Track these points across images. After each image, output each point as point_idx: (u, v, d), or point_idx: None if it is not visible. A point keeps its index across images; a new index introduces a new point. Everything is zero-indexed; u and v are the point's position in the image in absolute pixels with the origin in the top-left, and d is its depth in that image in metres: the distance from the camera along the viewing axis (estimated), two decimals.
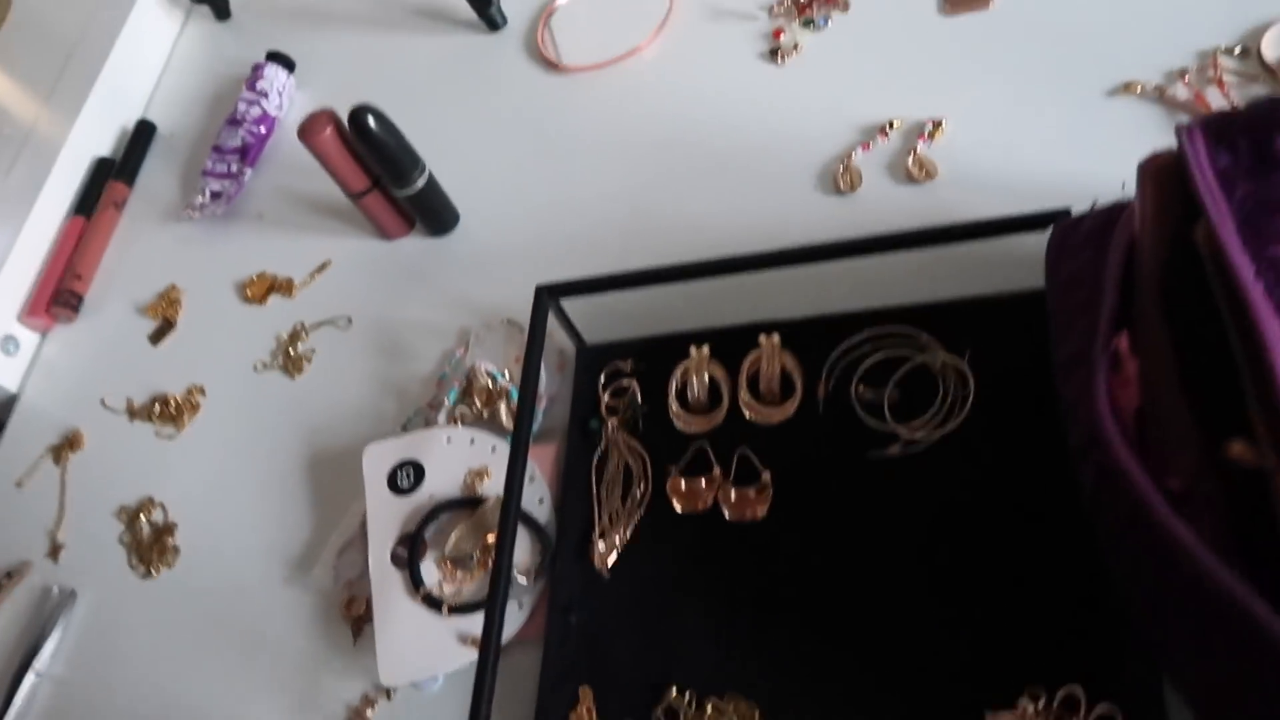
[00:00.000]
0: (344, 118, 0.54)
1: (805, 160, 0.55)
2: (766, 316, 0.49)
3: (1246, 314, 0.30)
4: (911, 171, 0.52)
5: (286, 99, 0.73)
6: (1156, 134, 0.49)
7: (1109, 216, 0.38)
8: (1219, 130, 0.34)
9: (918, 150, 0.52)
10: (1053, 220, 0.41)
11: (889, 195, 0.52)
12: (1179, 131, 0.35)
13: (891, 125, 0.54)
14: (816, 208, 0.54)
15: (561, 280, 0.49)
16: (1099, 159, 0.48)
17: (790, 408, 0.46)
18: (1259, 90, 0.48)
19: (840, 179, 0.53)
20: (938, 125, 0.53)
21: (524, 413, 0.46)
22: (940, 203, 0.51)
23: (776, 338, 0.47)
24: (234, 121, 0.71)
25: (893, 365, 0.45)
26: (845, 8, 0.60)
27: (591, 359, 0.51)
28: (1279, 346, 0.29)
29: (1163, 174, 0.35)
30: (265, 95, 0.71)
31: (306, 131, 0.55)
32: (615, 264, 0.56)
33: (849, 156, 0.54)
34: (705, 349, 0.48)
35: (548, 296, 0.48)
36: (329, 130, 0.55)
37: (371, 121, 0.54)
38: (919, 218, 0.51)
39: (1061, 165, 0.50)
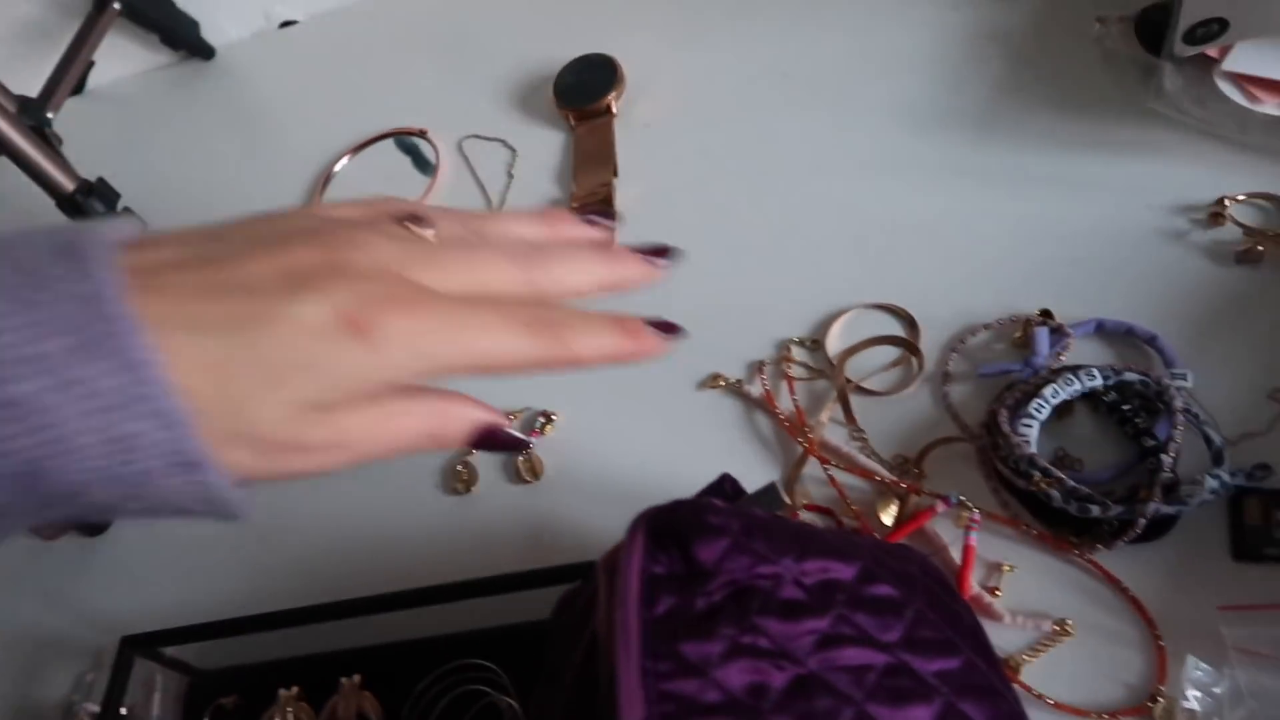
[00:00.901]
0: None
1: (430, 455, 0.56)
2: (369, 640, 0.49)
3: None
4: (521, 471, 0.53)
5: None
6: (735, 431, 0.51)
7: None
8: (659, 528, 0.35)
9: (529, 448, 0.54)
10: (576, 575, 0.42)
11: (501, 494, 0.53)
12: (632, 525, 0.36)
13: (510, 418, 0.55)
14: (436, 507, 0.54)
15: (155, 630, 0.48)
16: (688, 455, 0.50)
17: None
18: (821, 386, 0.50)
19: (459, 478, 0.54)
20: (549, 419, 0.54)
21: None
22: (544, 503, 0.52)
23: (356, 679, 0.47)
24: None
25: (469, 702, 0.46)
26: None
27: (204, 690, 0.51)
28: None
29: (614, 570, 0.36)
30: None
31: None
32: (253, 564, 0.56)
33: (468, 454, 0.55)
34: (292, 691, 0.48)
35: (132, 650, 0.48)
36: None
37: None
38: (526, 518, 0.52)
39: (656, 459, 0.51)
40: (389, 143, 0.72)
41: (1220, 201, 0.48)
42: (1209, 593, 0.39)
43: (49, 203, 0.64)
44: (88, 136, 0.84)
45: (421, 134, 0.71)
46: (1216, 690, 0.38)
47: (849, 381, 0.50)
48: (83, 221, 0.28)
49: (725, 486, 0.40)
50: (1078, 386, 0.44)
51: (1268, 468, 0.41)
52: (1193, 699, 0.38)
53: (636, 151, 0.63)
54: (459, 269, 0.32)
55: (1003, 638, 0.41)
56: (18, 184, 0.66)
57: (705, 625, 0.33)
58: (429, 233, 0.33)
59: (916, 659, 0.33)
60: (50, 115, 0.71)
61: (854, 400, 0.49)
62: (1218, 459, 0.41)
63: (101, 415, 0.26)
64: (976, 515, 0.43)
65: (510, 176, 0.66)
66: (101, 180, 0.64)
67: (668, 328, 0.35)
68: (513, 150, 0.67)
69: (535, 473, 0.53)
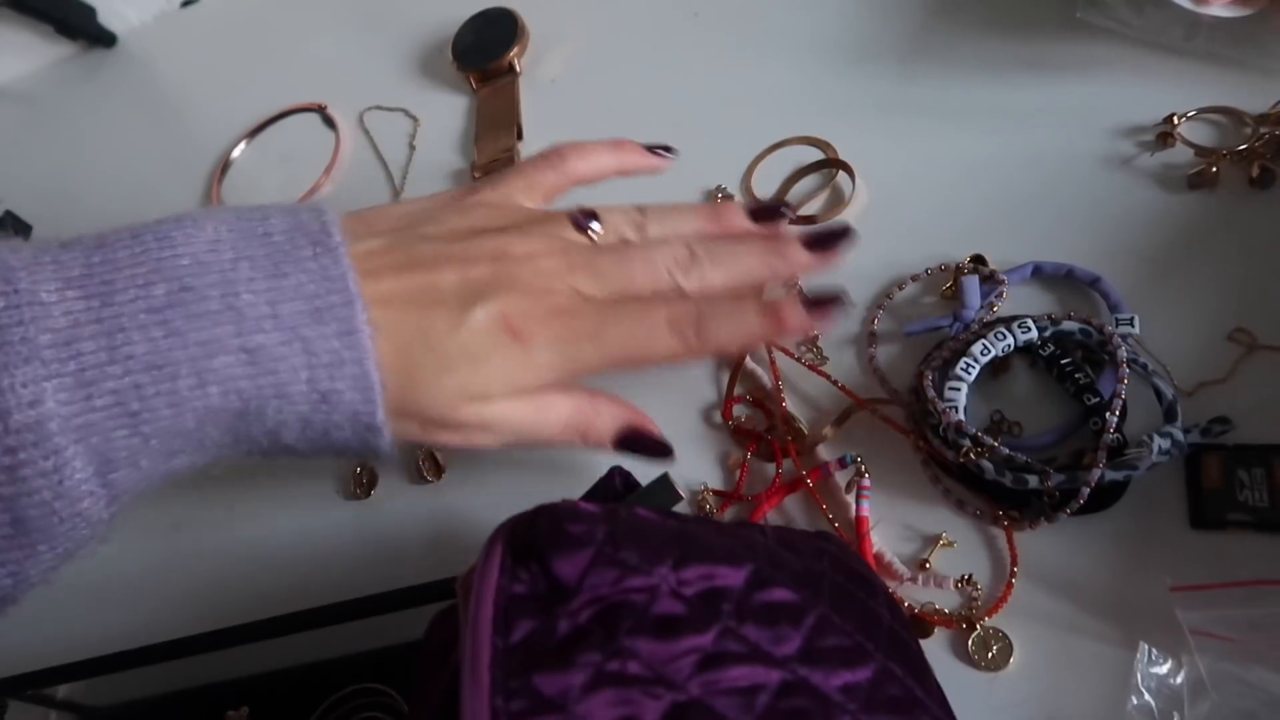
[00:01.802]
0: None
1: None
2: (263, 667, 0.45)
3: None
4: (423, 469, 0.49)
5: None
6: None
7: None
8: (520, 543, 0.31)
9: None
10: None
11: (403, 496, 0.49)
12: (490, 537, 0.32)
13: None
14: (336, 515, 0.50)
15: (27, 671, 0.45)
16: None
17: None
18: None
19: (358, 482, 0.50)
20: None
21: None
22: (447, 504, 0.48)
23: (244, 711, 0.43)
24: None
25: None
26: None
27: None
28: None
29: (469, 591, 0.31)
30: None
31: None
32: (145, 591, 0.52)
33: None
34: None
35: (3, 694, 0.44)
36: None
37: None
38: (430, 521, 0.48)
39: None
40: (289, 120, 0.67)
41: (1168, 120, 0.42)
42: (1166, 569, 0.35)
43: None
44: None
45: (321, 109, 0.66)
46: (1175, 682, 0.33)
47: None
48: (318, 209, 0.34)
49: (615, 481, 0.36)
50: (1010, 341, 0.39)
51: (1227, 421, 0.36)
52: (1147, 694, 0.33)
53: (543, 110, 0.58)
54: (614, 275, 0.37)
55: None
56: None
57: (566, 652, 0.28)
58: (596, 226, 0.38)
59: (817, 673, 0.28)
60: None
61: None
62: (1170, 414, 0.36)
63: (315, 370, 0.31)
64: (867, 483, 0.38)
65: (412, 148, 0.61)
66: None
67: (824, 304, 0.37)
68: (415, 120, 0.62)
69: (438, 470, 0.48)
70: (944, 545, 0.38)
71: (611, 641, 0.28)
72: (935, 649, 0.36)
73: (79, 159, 0.75)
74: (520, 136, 0.57)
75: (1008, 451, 0.36)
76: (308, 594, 0.44)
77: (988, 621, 0.35)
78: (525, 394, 0.36)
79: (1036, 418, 0.39)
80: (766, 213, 0.40)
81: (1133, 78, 0.44)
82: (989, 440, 0.37)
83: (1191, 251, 0.40)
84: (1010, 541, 0.37)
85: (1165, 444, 0.35)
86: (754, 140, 0.51)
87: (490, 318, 0.34)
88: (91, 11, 0.79)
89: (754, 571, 0.30)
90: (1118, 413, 0.36)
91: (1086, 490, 0.35)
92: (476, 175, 0.56)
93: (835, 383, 0.42)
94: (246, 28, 0.76)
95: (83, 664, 0.45)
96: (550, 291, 0.35)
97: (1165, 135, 0.42)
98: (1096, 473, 0.35)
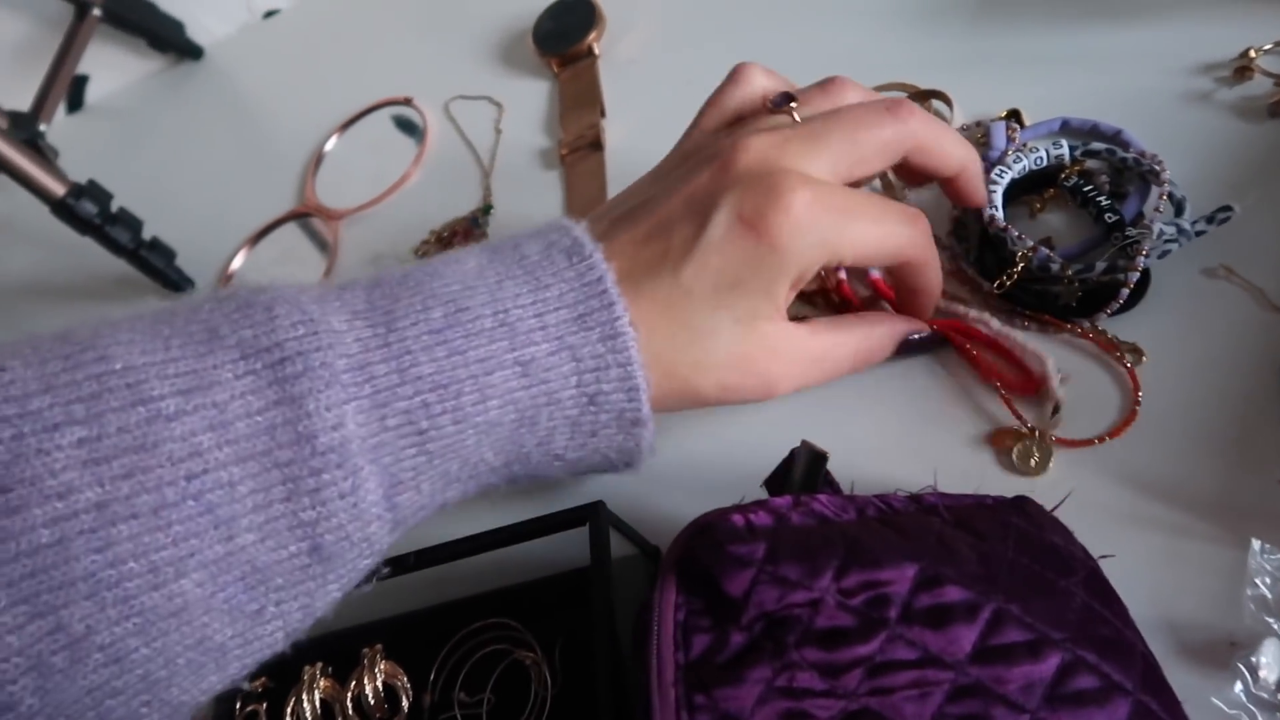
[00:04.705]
0: None
1: None
2: (390, 611, 0.48)
3: None
4: None
5: None
6: None
7: None
8: (688, 565, 0.31)
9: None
10: (576, 520, 0.40)
11: None
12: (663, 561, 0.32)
13: None
14: None
15: None
16: None
17: None
18: None
19: None
20: None
21: None
22: None
23: (379, 649, 0.46)
24: None
25: (494, 662, 0.44)
26: (482, 237, 0.60)
27: None
28: None
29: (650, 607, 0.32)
30: None
31: None
32: None
33: None
34: (316, 667, 0.46)
35: None
36: None
37: None
38: None
39: None
40: (378, 115, 0.70)
41: (1245, 54, 0.44)
42: (1269, 468, 0.36)
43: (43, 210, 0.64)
44: (88, 149, 0.84)
45: (407, 102, 0.69)
46: None
47: None
48: (562, 225, 0.34)
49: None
50: (1041, 154, 0.43)
51: (1229, 208, 0.40)
52: (1263, 585, 0.34)
53: (623, 89, 0.61)
54: (840, 142, 0.34)
55: None
56: (16, 200, 0.67)
57: (739, 666, 0.29)
58: (794, 106, 0.36)
59: (992, 673, 0.28)
60: (43, 128, 0.71)
61: None
62: (1179, 210, 0.40)
63: (583, 375, 0.32)
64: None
65: (498, 132, 0.64)
66: (92, 182, 0.64)
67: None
68: (499, 106, 0.65)
69: None
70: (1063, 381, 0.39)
71: (781, 655, 0.29)
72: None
73: (177, 167, 0.79)
74: (603, 114, 0.60)
75: (1033, 242, 0.41)
76: (434, 536, 0.46)
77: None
78: (810, 332, 0.36)
79: (1064, 243, 0.43)
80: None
81: (1208, 16, 0.46)
82: (1014, 231, 0.41)
83: (1275, 176, 0.41)
84: (1132, 381, 0.38)
85: (1171, 230, 0.39)
86: None
87: (725, 226, 0.32)
88: (180, 26, 0.84)
89: (921, 571, 0.30)
90: (1146, 211, 0.40)
91: (1101, 266, 0.39)
92: (564, 153, 0.59)
93: None
94: (328, 33, 0.80)
95: None
96: (772, 174, 0.32)
97: (1243, 69, 0.44)
98: (1108, 253, 0.39)
